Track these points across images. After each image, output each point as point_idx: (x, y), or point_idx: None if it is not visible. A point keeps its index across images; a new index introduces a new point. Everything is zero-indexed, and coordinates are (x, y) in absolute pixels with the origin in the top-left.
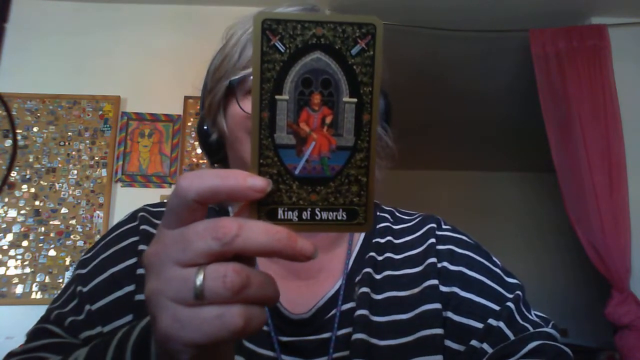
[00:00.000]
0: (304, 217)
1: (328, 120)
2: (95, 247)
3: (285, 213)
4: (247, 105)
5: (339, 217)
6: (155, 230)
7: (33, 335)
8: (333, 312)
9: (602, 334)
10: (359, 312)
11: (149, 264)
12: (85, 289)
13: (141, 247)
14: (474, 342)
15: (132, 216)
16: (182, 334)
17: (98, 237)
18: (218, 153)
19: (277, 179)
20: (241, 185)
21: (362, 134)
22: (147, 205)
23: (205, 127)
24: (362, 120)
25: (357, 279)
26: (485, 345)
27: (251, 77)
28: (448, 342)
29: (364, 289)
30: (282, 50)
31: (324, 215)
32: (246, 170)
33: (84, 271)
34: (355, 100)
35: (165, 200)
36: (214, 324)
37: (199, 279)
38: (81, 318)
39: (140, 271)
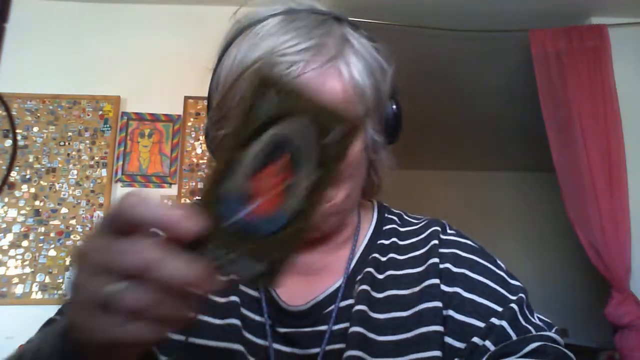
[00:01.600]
0: (225, 260)
1: (283, 185)
2: None
3: (211, 252)
4: None
5: (255, 270)
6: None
7: (45, 323)
8: (331, 307)
9: (602, 334)
10: (358, 307)
11: (77, 258)
12: None
13: None
14: (475, 339)
15: None
16: (86, 331)
17: None
18: None
19: (215, 220)
20: (175, 226)
21: (308, 208)
22: None
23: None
24: (313, 197)
25: (358, 277)
26: (487, 343)
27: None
28: (448, 339)
29: (364, 287)
30: (267, 110)
31: (243, 264)
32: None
33: None
34: (314, 177)
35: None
36: (114, 331)
37: (111, 289)
38: None
39: None
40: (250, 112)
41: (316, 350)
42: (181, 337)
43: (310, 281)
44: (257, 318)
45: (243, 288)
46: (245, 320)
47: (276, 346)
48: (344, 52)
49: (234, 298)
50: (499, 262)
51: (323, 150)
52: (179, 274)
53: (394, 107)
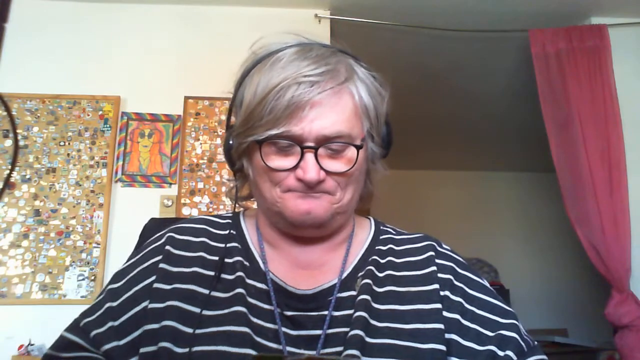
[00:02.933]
0: None
1: None
2: (127, 262)
3: None
4: (271, 160)
5: None
6: (176, 250)
7: (65, 345)
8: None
9: (602, 334)
10: (361, 297)
11: None
12: (114, 304)
13: (162, 265)
14: (493, 348)
15: (161, 236)
16: None
17: (98, 237)
18: (242, 168)
19: None
20: None
21: None
22: (177, 223)
23: (231, 145)
24: None
25: (360, 273)
26: (509, 353)
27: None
28: (455, 337)
29: (367, 281)
30: None
31: None
32: (264, 204)
33: (115, 286)
34: None
35: (166, 201)
36: None
37: None
38: (102, 331)
39: (155, 285)
40: None
41: (319, 332)
42: (190, 330)
43: (314, 274)
44: (265, 306)
45: (249, 281)
46: (252, 308)
47: (284, 329)
48: (353, 78)
49: (239, 290)
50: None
51: None
52: None
53: (387, 126)
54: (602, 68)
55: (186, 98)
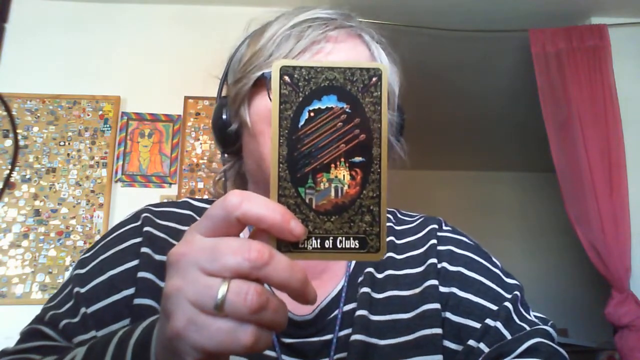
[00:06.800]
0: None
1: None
2: (95, 246)
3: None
4: None
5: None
6: (160, 233)
7: (27, 335)
8: (335, 313)
9: (602, 334)
10: (359, 312)
11: (173, 262)
12: (82, 290)
13: (144, 249)
14: (471, 342)
15: (135, 216)
16: (194, 337)
17: (98, 237)
18: (234, 144)
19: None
20: (283, 225)
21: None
22: (150, 205)
23: (224, 117)
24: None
25: (360, 279)
26: (482, 345)
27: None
28: (446, 342)
29: (365, 289)
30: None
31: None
32: (262, 164)
33: (82, 271)
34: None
35: (166, 200)
36: (226, 336)
37: (222, 291)
38: (76, 321)
39: (141, 274)
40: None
41: None
42: None
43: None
44: None
45: None
46: None
47: (284, 357)
48: (376, 49)
49: None
50: (494, 259)
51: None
52: (285, 275)
53: (400, 111)
54: (602, 68)
55: (186, 98)
